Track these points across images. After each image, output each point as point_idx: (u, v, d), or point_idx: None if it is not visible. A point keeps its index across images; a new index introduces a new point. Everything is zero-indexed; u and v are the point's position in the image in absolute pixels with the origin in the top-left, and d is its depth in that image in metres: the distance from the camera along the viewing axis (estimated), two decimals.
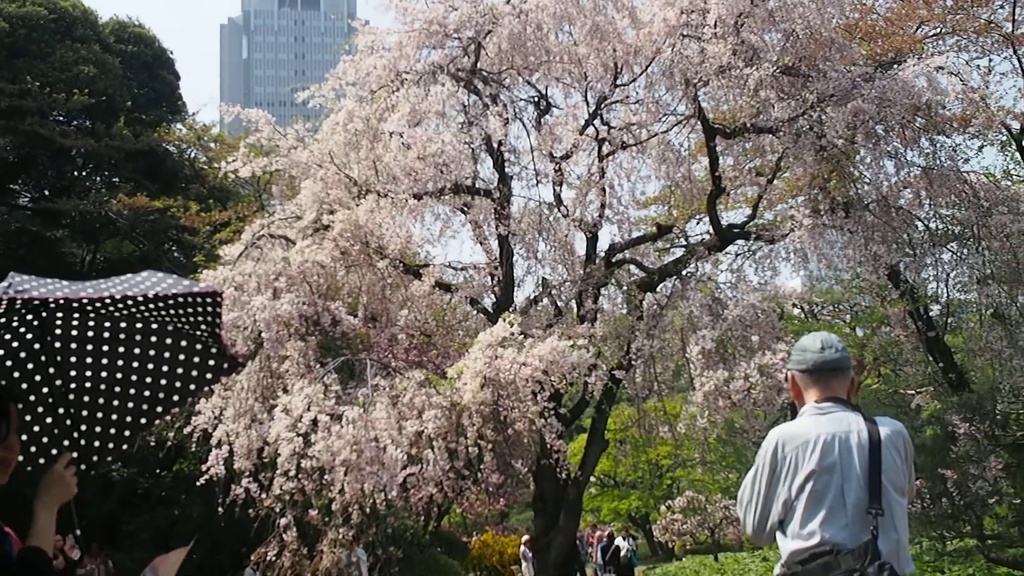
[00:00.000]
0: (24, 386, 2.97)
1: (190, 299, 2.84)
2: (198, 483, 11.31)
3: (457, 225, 13.54)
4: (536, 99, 13.38)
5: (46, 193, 24.85)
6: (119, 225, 22.93)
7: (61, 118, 23.71)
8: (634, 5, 12.05)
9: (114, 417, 3.10)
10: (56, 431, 3.06)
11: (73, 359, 3.03)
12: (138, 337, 3.04)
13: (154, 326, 3.04)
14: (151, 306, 2.82)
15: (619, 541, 23.38)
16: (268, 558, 11.68)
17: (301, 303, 11.27)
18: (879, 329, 17.05)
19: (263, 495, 10.75)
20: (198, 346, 3.08)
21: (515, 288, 13.23)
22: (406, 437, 9.78)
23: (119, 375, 3.06)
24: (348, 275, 12.45)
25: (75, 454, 3.01)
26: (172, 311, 2.92)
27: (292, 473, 9.80)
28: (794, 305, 17.54)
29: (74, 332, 3.00)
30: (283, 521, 11.01)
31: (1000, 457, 13.10)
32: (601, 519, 33.90)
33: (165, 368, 3.09)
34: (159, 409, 3.13)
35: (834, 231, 11.73)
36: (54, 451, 3.03)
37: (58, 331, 2.99)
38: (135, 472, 18.07)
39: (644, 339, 11.78)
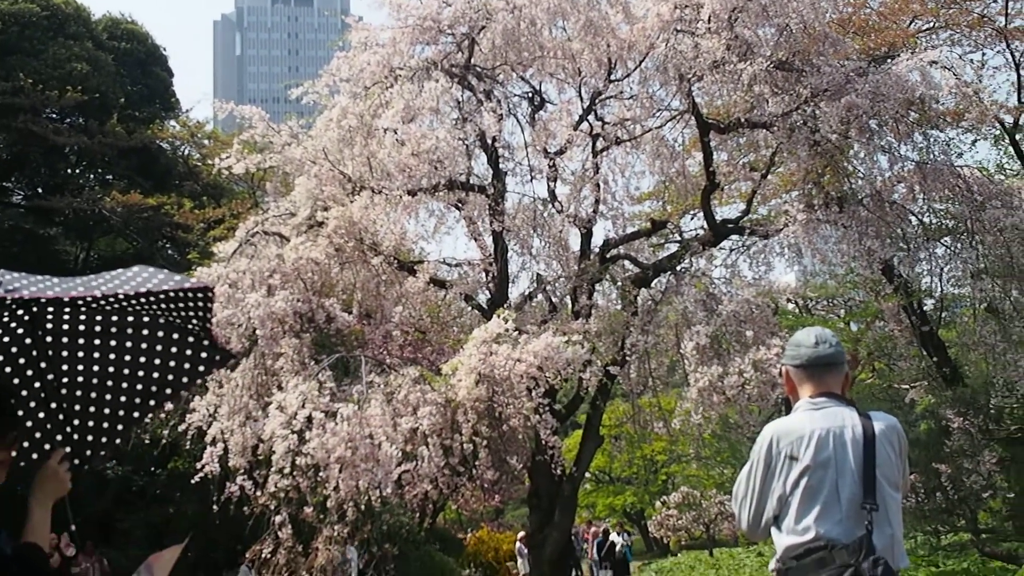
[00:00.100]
0: (16, 381, 2.95)
1: (181, 294, 2.82)
2: (193, 481, 11.30)
3: (451, 221, 13.59)
4: (530, 95, 13.34)
5: (39, 191, 24.81)
6: (112, 223, 22.89)
7: (54, 115, 23.67)
8: (628, 0, 12.03)
9: (107, 411, 3.08)
10: (49, 426, 3.04)
11: (64, 353, 3.01)
12: (129, 330, 3.02)
13: (145, 319, 3.02)
14: (142, 300, 2.81)
15: (614, 537, 23.43)
16: (263, 555, 11.69)
17: (295, 300, 11.26)
18: (873, 324, 17.08)
19: (258, 492, 10.76)
20: (190, 338, 3.06)
21: (510, 284, 13.20)
22: (401, 434, 9.77)
23: (111, 368, 3.04)
24: (342, 272, 12.42)
25: (68, 449, 3.01)
26: (163, 306, 2.90)
27: (287, 470, 9.80)
28: (788, 300, 17.54)
29: (65, 326, 2.98)
30: (278, 518, 11.04)
31: (994, 451, 13.16)
32: (596, 515, 33.96)
33: (157, 361, 3.07)
34: (152, 402, 3.11)
35: (828, 226, 11.73)
36: (47, 446, 3.02)
37: (49, 325, 2.97)
38: (130, 470, 18.05)
39: (639, 335, 11.79)
